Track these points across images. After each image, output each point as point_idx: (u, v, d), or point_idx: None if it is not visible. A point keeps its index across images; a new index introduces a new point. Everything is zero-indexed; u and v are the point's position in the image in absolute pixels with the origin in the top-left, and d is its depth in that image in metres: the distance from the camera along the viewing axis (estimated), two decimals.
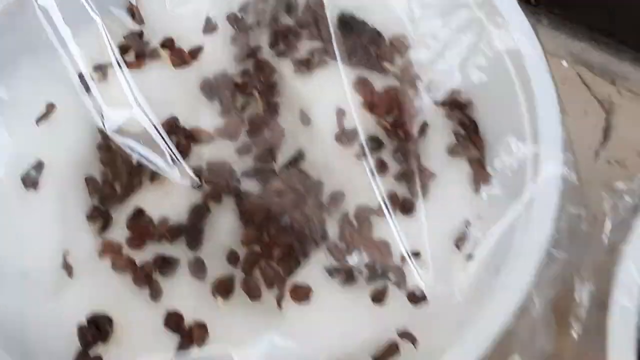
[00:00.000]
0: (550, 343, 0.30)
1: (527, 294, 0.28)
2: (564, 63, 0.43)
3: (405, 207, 0.33)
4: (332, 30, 0.36)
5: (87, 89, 0.34)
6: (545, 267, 0.29)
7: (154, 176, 0.34)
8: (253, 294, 0.32)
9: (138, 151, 0.33)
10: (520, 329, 0.29)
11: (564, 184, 0.30)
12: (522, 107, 0.33)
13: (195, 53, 0.38)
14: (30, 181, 0.34)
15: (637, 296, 0.29)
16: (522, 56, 0.32)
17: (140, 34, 0.37)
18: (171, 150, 0.33)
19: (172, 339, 0.31)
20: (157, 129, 0.33)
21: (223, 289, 0.32)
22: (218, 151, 0.35)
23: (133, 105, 0.34)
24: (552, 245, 0.30)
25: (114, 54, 0.35)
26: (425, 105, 0.35)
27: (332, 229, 0.33)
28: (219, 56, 0.38)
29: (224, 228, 0.33)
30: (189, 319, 0.31)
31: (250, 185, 0.35)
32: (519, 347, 0.29)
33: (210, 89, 0.37)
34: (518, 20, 0.33)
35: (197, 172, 0.34)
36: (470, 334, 0.28)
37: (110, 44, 0.35)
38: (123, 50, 0.37)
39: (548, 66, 0.32)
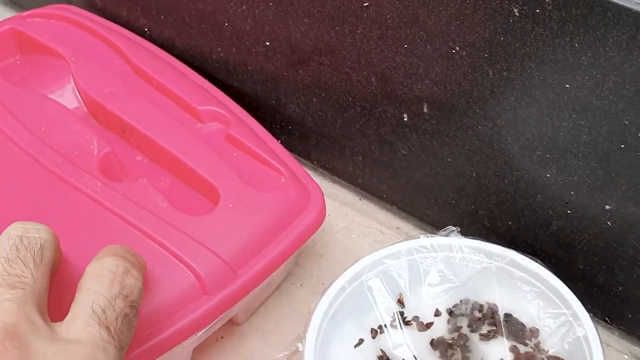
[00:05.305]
0: None
1: None
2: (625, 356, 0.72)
3: None
4: (500, 319, 0.68)
5: (380, 332, 0.70)
6: None
7: None
8: None
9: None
10: None
11: None
12: None
13: (429, 325, 0.70)
14: None
15: None
16: (589, 340, 0.64)
17: (402, 312, 0.73)
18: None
19: None
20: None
21: None
22: None
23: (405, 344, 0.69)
24: None
25: (392, 321, 0.71)
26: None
27: None
28: (441, 324, 0.71)
29: None
30: None
31: None
32: None
33: (436, 344, 0.68)
34: (590, 325, 0.65)
35: None
36: None
37: (394, 317, 0.71)
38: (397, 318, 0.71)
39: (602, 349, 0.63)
